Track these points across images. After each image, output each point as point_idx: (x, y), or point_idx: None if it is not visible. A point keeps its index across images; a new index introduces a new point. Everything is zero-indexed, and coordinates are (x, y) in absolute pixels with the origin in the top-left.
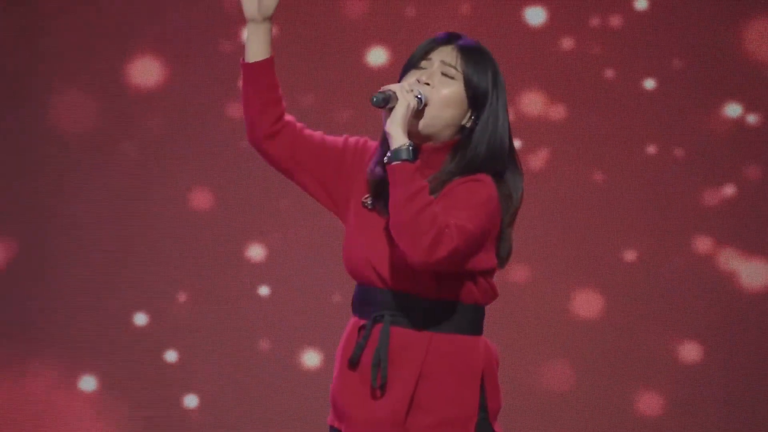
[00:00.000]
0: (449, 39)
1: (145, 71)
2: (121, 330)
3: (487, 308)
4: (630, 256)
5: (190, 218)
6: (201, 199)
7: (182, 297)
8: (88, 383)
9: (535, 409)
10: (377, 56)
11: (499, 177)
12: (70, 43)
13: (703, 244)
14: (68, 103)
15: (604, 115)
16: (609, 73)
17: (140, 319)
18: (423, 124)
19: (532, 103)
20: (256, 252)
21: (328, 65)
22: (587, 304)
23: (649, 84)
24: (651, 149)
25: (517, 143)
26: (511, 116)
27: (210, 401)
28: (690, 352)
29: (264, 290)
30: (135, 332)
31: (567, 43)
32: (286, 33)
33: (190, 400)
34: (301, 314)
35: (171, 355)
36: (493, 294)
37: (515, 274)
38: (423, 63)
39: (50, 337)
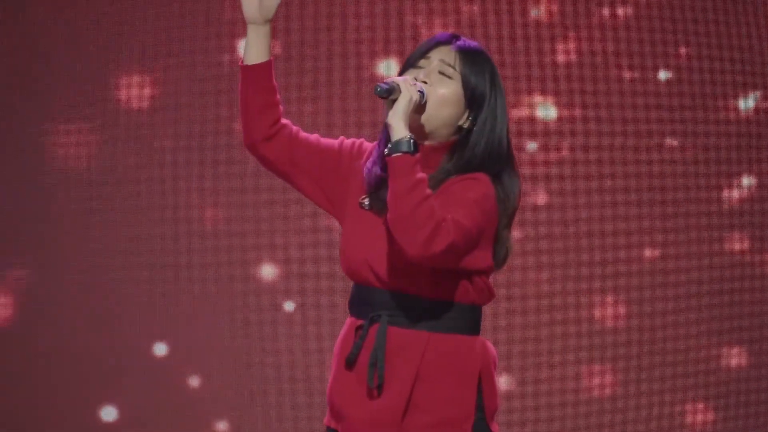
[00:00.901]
0: (448, 39)
1: (147, 90)
2: (142, 360)
3: (521, 311)
4: (658, 256)
5: (204, 240)
6: (214, 219)
7: (202, 321)
8: (108, 413)
9: (578, 416)
10: (384, 66)
11: (496, 178)
12: (65, 67)
13: (736, 241)
14: (68, 130)
15: (619, 111)
16: (621, 67)
17: (160, 348)
18: (421, 122)
19: (545, 103)
20: (274, 269)
21: (332, 75)
22: (623, 307)
23: (664, 76)
24: (671, 142)
25: (533, 145)
26: (523, 118)
27: (241, 424)
28: (735, 357)
29: (289, 306)
30: (156, 361)
31: (576, 38)
32: (289, 43)
33: (221, 426)
34: (325, 330)
35: (194, 381)
36: (489, 294)
37: (540, 277)
38: (421, 62)
39: (69, 370)
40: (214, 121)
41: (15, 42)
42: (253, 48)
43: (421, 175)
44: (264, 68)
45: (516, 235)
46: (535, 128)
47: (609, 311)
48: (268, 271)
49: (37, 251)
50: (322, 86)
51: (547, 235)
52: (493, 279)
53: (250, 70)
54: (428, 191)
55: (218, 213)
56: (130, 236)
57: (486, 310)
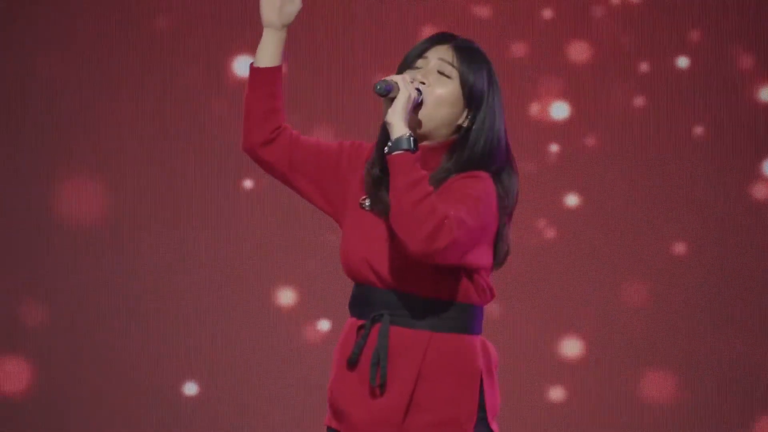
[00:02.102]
0: (445, 38)
1: (150, 121)
2: (174, 400)
3: (574, 313)
4: (689, 252)
5: (226, 271)
6: (231, 250)
7: (233, 355)
8: None
9: (635, 424)
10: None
11: (496, 176)
12: (67, 114)
13: None
14: (73, 175)
15: (639, 104)
16: (638, 57)
17: (190, 388)
18: (418, 121)
19: (563, 101)
20: (300, 291)
21: (344, 89)
22: (679, 309)
23: (683, 63)
24: (698, 130)
25: (554, 147)
26: (542, 117)
27: None
28: None
29: (324, 325)
30: (187, 402)
31: (590, 29)
32: (298, 54)
33: None
34: None
35: (231, 417)
36: (491, 294)
37: (583, 280)
38: (419, 62)
39: (101, 413)
40: (221, 146)
41: (16, 87)
42: (266, 51)
43: (421, 172)
44: (274, 72)
45: (548, 234)
46: (554, 127)
47: (669, 311)
48: (292, 295)
49: (54, 295)
50: (330, 95)
51: (579, 234)
52: (529, 283)
53: (260, 73)
54: (429, 188)
55: (236, 241)
56: (147, 273)
57: (523, 318)
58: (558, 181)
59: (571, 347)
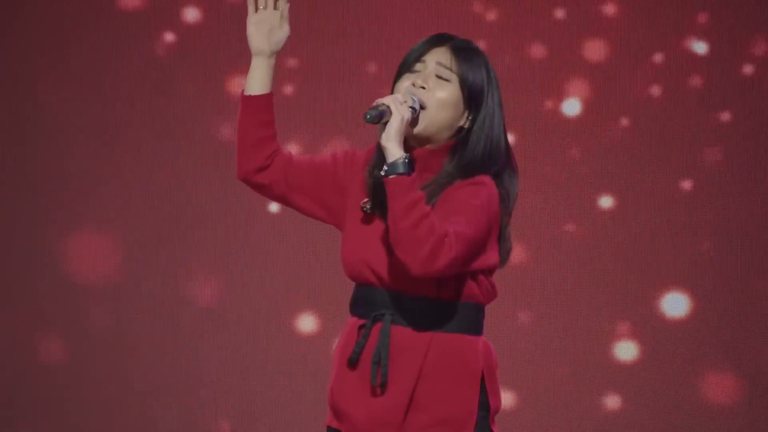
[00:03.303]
0: (442, 40)
1: (156, 158)
2: None
3: (631, 311)
4: (725, 247)
5: (246, 300)
6: (248, 279)
7: (265, 397)
8: None
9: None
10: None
11: (497, 177)
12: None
13: None
14: (79, 240)
15: (659, 96)
16: (653, 49)
17: (223, 426)
18: (419, 128)
19: (578, 100)
20: (317, 319)
21: (354, 98)
22: (730, 308)
23: (701, 48)
24: (725, 116)
25: (576, 153)
26: (561, 118)
27: None
28: None
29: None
30: None
31: (602, 25)
32: (303, 69)
33: None
34: None
35: None
36: (493, 293)
37: (641, 273)
38: (417, 66)
39: None
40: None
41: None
42: (256, 79)
43: (417, 194)
44: (264, 100)
45: (571, 230)
46: (572, 126)
47: (728, 309)
48: (315, 319)
49: (74, 336)
50: (339, 103)
51: (613, 235)
52: (570, 288)
53: (251, 101)
54: (426, 209)
55: (251, 271)
56: (164, 307)
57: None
58: (585, 181)
59: (626, 352)
